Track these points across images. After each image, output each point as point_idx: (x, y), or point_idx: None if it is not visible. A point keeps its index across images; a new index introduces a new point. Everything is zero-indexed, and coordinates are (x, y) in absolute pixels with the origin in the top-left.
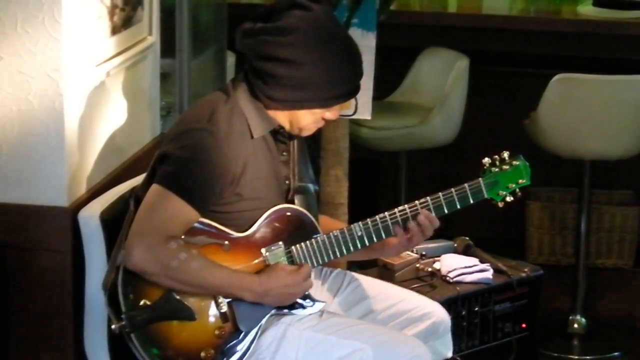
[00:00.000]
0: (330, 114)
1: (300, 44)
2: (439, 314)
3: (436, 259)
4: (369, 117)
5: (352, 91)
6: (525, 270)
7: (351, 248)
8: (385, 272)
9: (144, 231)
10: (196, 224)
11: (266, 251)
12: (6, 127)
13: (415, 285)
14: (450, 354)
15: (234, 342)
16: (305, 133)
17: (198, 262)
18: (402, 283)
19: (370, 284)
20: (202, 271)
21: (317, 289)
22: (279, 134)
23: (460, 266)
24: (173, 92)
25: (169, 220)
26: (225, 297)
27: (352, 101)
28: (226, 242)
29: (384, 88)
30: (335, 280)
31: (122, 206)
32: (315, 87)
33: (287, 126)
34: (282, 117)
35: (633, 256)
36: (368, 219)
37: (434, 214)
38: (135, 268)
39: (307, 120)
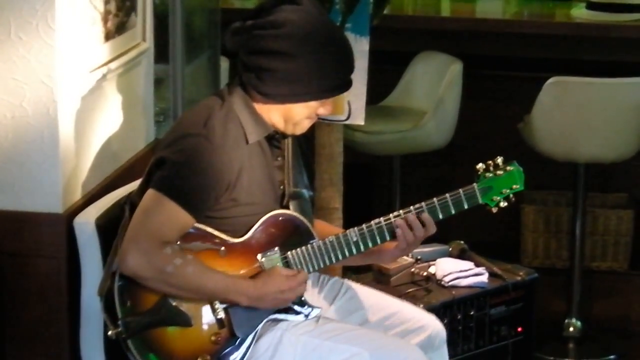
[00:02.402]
0: (323, 109)
1: (294, 36)
2: (435, 327)
3: (431, 263)
4: (362, 123)
5: (346, 83)
6: (521, 273)
7: (346, 253)
8: (381, 277)
9: (139, 236)
10: (192, 230)
11: (262, 257)
12: (0, 134)
13: (410, 290)
14: None
15: (230, 348)
16: (299, 130)
17: (193, 267)
18: (398, 287)
19: (366, 294)
20: (197, 276)
21: (314, 296)
22: (273, 139)
23: (456, 270)
24: (167, 97)
25: (164, 225)
26: (221, 302)
27: (346, 106)
28: (222, 248)
29: (377, 92)
30: (332, 288)
31: (118, 212)
32: (310, 79)
33: (281, 124)
34: (276, 115)
35: (628, 259)
36: (363, 224)
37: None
38: (130, 273)
39: (302, 115)
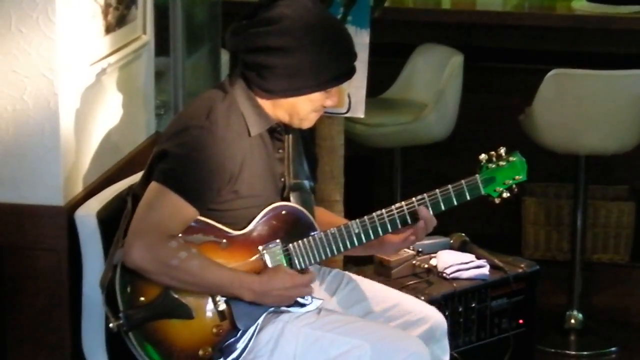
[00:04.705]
0: (330, 100)
1: (291, 31)
2: (436, 319)
3: (432, 255)
4: (362, 116)
5: (348, 72)
6: (522, 266)
7: (348, 245)
8: (382, 269)
9: (143, 229)
10: (193, 222)
11: (263, 249)
12: (1, 127)
13: (411, 282)
14: (447, 358)
15: (232, 340)
16: (306, 124)
17: (198, 261)
18: (399, 280)
19: (368, 285)
20: (202, 270)
21: (315, 288)
22: (275, 132)
23: (457, 262)
24: (168, 90)
25: (167, 218)
26: (224, 296)
27: (346, 99)
28: (224, 240)
29: (378, 85)
30: (333, 280)
31: (119, 205)
32: (311, 71)
33: (287, 119)
34: (281, 111)
35: (629, 251)
36: (365, 216)
37: (430, 212)
38: (135, 267)
39: (307, 109)
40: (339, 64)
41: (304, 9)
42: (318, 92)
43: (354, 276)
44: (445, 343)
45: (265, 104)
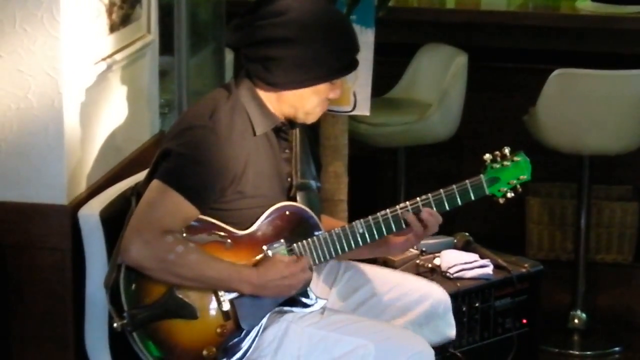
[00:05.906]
0: (333, 93)
1: (296, 22)
2: (438, 294)
3: (436, 255)
4: (367, 114)
5: (352, 64)
6: (525, 265)
7: (353, 245)
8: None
9: (141, 226)
10: (198, 222)
11: (268, 249)
12: (5, 126)
13: None
14: (453, 333)
15: (236, 340)
16: (311, 118)
17: (196, 255)
18: None
19: (365, 270)
20: (199, 264)
21: (314, 282)
22: (281, 131)
23: (461, 262)
24: (172, 89)
25: (167, 216)
26: (224, 290)
27: (351, 97)
28: (228, 240)
29: (382, 84)
30: (330, 271)
31: (122, 204)
32: (317, 62)
33: (292, 113)
34: (286, 105)
35: (633, 251)
36: (369, 216)
37: (435, 210)
38: (132, 263)
39: (313, 102)
40: (344, 54)
41: (308, 1)
42: (323, 83)
43: (351, 263)
44: (450, 318)
45: (270, 99)
